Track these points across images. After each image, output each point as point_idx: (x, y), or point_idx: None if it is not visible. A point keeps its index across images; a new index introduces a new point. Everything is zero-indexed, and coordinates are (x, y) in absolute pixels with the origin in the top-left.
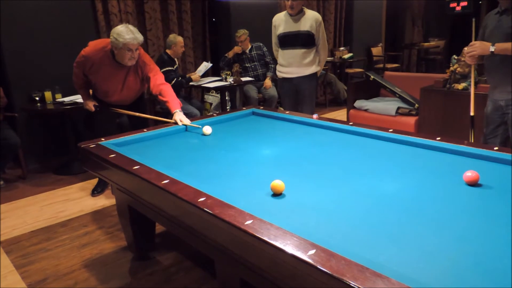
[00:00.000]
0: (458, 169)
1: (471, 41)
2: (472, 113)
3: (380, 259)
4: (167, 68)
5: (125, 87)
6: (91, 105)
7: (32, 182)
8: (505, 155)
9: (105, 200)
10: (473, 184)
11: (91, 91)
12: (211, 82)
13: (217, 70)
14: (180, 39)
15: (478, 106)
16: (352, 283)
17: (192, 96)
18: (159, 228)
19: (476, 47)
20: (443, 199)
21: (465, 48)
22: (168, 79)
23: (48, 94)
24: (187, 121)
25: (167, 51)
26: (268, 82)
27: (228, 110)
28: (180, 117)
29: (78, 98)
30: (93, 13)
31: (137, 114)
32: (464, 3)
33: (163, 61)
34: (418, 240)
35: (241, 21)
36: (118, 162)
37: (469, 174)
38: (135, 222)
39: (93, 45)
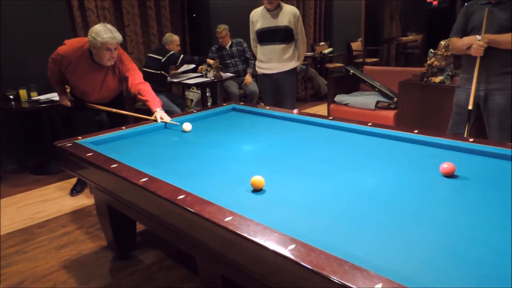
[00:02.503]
0: (435, 161)
1: (448, 34)
2: (470, 107)
3: (360, 252)
4: (170, 52)
5: (104, 87)
6: (67, 101)
7: (8, 182)
8: (480, 146)
9: (85, 200)
10: (450, 175)
11: (68, 90)
12: (192, 79)
13: (197, 67)
14: (176, 37)
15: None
16: (332, 277)
17: (172, 92)
18: (140, 226)
19: (463, 40)
20: (421, 191)
21: (442, 42)
22: (176, 57)
23: (22, 92)
24: (167, 118)
25: None
26: (248, 78)
27: (209, 106)
28: (160, 115)
29: (54, 96)
30: (68, 9)
31: (115, 110)
32: None
33: (163, 50)
34: (397, 232)
35: (221, 17)
36: (96, 161)
37: (445, 166)
38: (115, 221)
39: (70, 44)
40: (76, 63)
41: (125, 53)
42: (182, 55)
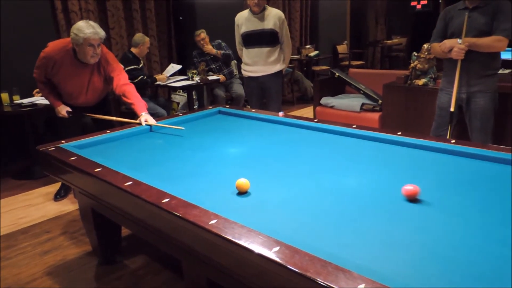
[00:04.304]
0: (417, 162)
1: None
2: (452, 109)
3: (343, 254)
4: (132, 67)
5: (90, 88)
6: (64, 112)
7: None
8: (462, 148)
9: (69, 205)
10: (412, 198)
11: None
12: (178, 81)
13: (184, 69)
14: (147, 39)
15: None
16: (315, 279)
17: (158, 95)
18: (125, 231)
19: (445, 43)
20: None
21: (424, 45)
22: (132, 77)
23: (4, 96)
24: (152, 121)
25: (132, 49)
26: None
27: (195, 109)
28: (145, 118)
29: (37, 100)
30: (52, 11)
31: (115, 118)
32: (424, 2)
33: (127, 60)
34: (380, 233)
35: (207, 20)
36: (79, 165)
37: (409, 188)
38: (100, 226)
39: (53, 45)
40: (60, 63)
41: (111, 53)
42: (140, 77)
